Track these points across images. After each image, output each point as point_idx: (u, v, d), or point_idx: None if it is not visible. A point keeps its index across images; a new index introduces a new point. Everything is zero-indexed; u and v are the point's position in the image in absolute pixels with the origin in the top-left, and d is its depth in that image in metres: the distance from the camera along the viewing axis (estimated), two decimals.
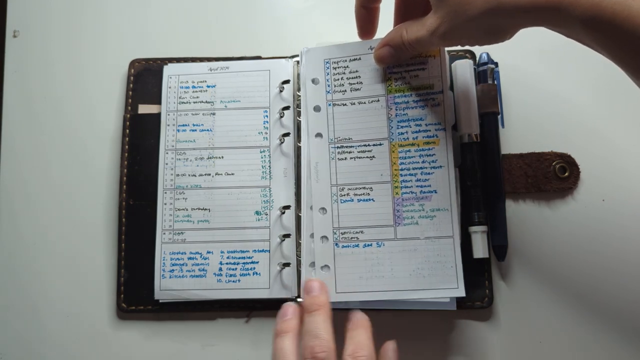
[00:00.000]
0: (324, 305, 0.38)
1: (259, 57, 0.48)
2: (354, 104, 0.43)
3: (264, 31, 0.50)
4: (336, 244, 0.42)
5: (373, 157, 0.42)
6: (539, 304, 0.44)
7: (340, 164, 0.43)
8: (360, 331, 0.36)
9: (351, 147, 0.43)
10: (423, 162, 0.42)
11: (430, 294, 0.40)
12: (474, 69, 0.45)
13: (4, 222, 0.48)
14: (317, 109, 0.44)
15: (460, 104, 0.44)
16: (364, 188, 0.42)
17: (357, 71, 0.43)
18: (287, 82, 0.46)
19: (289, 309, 0.39)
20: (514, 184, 0.45)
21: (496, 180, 0.44)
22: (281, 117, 0.46)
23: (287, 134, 0.45)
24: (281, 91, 0.46)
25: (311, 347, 0.34)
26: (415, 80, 0.42)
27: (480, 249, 0.43)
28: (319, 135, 0.43)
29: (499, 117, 0.45)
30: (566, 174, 0.45)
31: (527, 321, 0.44)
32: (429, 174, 0.41)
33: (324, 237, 0.42)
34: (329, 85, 0.44)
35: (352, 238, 0.42)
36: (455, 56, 0.47)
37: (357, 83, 0.43)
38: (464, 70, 0.45)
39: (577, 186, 0.45)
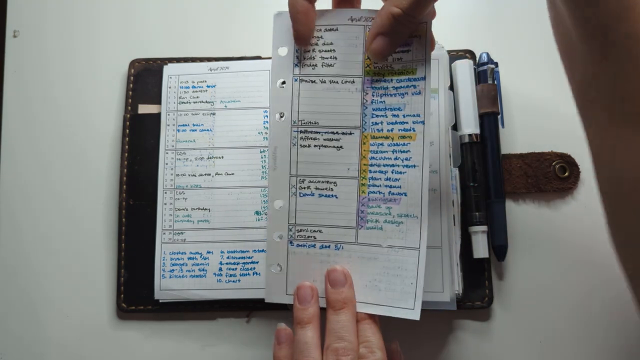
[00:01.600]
0: (350, 302, 0.36)
1: (258, 57, 0.48)
2: (324, 82, 0.37)
3: (264, 31, 0.50)
4: (290, 242, 0.38)
5: (341, 147, 0.37)
6: (538, 304, 0.44)
7: (303, 151, 0.38)
8: (368, 324, 0.36)
9: (317, 132, 0.37)
10: (396, 158, 0.36)
11: (382, 310, 0.36)
12: (474, 69, 0.45)
13: (4, 222, 0.48)
14: (281, 84, 0.38)
15: (460, 104, 0.44)
16: (327, 182, 0.37)
17: (331, 44, 0.37)
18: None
19: (307, 290, 0.37)
20: (514, 184, 0.45)
21: (496, 180, 0.44)
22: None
23: None
24: None
25: (335, 349, 0.34)
26: (398, 63, 0.36)
27: (480, 249, 0.43)
28: (281, 115, 0.38)
29: (499, 117, 0.45)
30: (566, 174, 0.45)
31: (527, 321, 0.44)
32: (400, 172, 0.36)
33: (279, 234, 0.38)
34: (297, 57, 0.38)
35: (308, 237, 0.38)
36: (455, 56, 0.46)
37: (331, 58, 0.37)
38: (464, 70, 0.45)
39: (577, 186, 0.45)
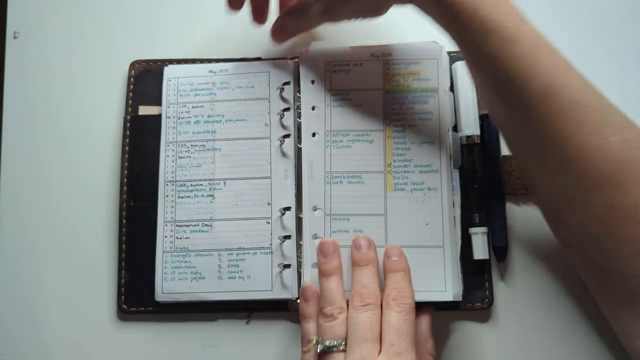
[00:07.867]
0: (372, 261, 0.40)
1: (259, 59, 0.48)
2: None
3: (265, 32, 0.50)
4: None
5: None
6: (539, 305, 0.44)
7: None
8: (401, 275, 0.39)
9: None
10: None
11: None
12: None
13: (5, 224, 0.48)
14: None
15: (460, 105, 0.44)
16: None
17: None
18: (287, 83, 0.46)
19: (331, 247, 0.41)
20: (514, 185, 0.45)
21: (496, 182, 0.44)
22: (281, 118, 0.46)
23: (287, 135, 0.45)
24: (281, 92, 0.46)
25: (360, 294, 0.37)
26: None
27: (480, 250, 0.43)
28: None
29: None
30: None
31: (527, 322, 0.44)
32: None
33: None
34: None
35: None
36: (455, 57, 0.46)
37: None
38: (464, 72, 0.45)
39: None
